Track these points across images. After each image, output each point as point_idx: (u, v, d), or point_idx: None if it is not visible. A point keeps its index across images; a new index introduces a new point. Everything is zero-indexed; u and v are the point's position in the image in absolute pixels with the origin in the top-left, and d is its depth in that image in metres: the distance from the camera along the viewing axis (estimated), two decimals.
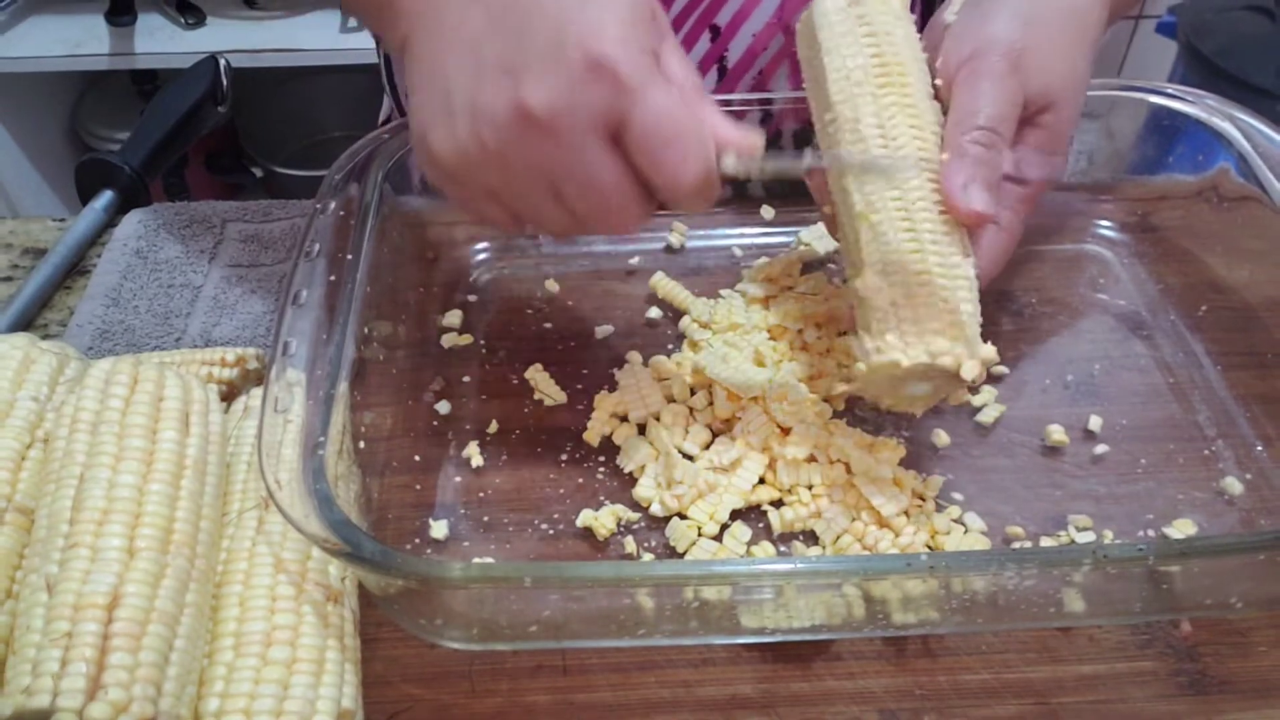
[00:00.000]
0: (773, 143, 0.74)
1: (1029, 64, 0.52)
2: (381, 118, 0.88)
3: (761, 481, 0.55)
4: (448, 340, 0.64)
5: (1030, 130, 0.54)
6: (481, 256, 0.70)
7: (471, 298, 0.68)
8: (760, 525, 0.54)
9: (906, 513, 0.53)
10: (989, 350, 0.48)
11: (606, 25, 0.44)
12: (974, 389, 0.54)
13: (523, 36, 0.44)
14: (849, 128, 0.52)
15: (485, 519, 0.55)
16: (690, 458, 0.56)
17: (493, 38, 0.45)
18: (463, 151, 0.46)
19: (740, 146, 0.47)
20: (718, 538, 0.53)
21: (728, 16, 0.70)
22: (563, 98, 0.44)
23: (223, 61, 0.88)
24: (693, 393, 0.60)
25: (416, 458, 0.58)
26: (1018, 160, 0.53)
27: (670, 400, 0.59)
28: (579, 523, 0.54)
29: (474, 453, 0.57)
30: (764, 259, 0.68)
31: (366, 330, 0.54)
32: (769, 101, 0.72)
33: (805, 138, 0.75)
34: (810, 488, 0.54)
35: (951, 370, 0.48)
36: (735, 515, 0.54)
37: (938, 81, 0.54)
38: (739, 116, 0.72)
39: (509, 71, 0.44)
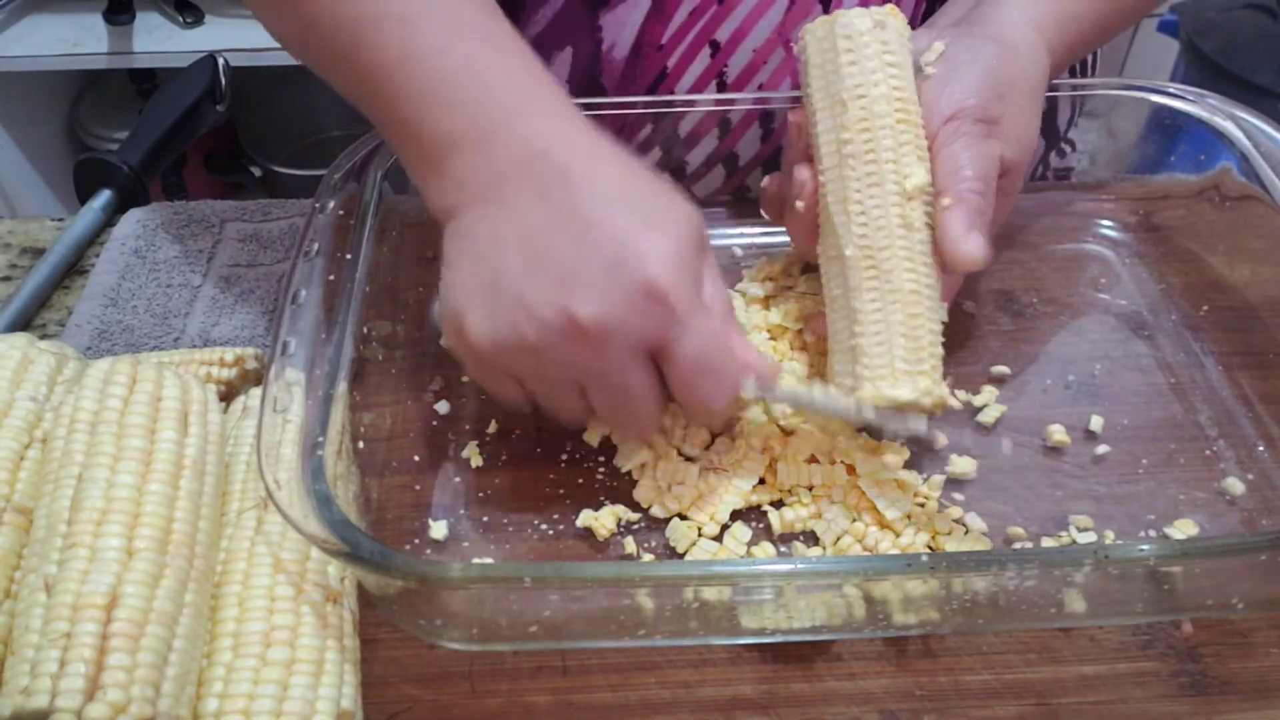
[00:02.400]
0: (773, 157, 0.74)
1: (1001, 134, 0.55)
2: None
3: (762, 482, 0.55)
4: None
5: None
6: None
7: None
8: (760, 526, 0.54)
9: (908, 514, 0.53)
10: (947, 392, 0.53)
11: (665, 252, 0.46)
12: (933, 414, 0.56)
13: (582, 245, 0.46)
14: (865, 157, 0.53)
15: (485, 519, 0.55)
16: (690, 458, 0.56)
17: (551, 238, 0.46)
18: (498, 338, 0.47)
19: (761, 373, 0.51)
20: (718, 538, 0.53)
21: (728, 32, 0.69)
22: (614, 316, 0.45)
23: (221, 60, 0.88)
24: None
25: (416, 458, 0.57)
26: None
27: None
28: (579, 523, 0.54)
29: (474, 453, 0.57)
30: (764, 259, 0.68)
31: (366, 330, 0.54)
32: (770, 115, 0.71)
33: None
34: (811, 488, 0.54)
35: (926, 408, 0.52)
36: (735, 516, 0.54)
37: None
38: (740, 129, 0.72)
39: (563, 278, 0.46)
